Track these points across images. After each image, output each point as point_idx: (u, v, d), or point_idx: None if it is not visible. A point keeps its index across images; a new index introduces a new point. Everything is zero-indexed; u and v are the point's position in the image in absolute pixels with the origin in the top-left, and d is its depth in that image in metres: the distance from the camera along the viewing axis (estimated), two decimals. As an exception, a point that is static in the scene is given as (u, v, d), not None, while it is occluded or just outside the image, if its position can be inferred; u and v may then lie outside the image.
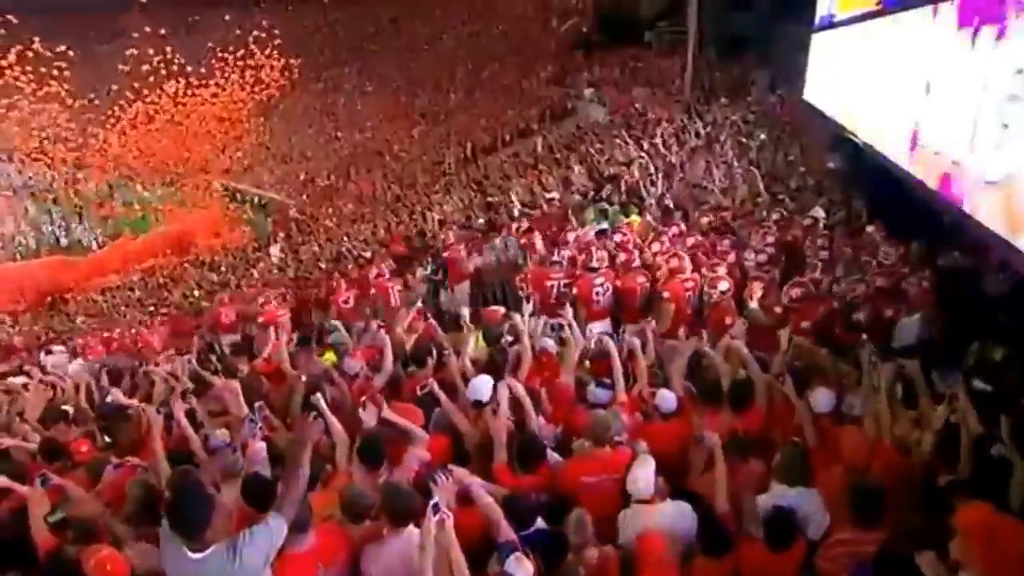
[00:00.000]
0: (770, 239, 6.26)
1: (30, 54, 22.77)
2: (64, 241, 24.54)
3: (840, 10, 8.69)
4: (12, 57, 22.40)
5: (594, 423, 3.12)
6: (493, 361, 3.90)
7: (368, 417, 3.13)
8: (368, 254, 9.63)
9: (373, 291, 7.05)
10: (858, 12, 7.66)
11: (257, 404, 3.92)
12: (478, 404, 3.45)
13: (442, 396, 3.38)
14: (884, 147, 6.34)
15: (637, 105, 15.08)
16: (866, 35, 7.19)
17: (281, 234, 18.03)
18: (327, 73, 30.83)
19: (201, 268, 16.35)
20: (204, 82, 26.02)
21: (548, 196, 8.02)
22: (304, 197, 25.02)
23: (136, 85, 25.38)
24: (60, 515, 3.13)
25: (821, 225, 6.38)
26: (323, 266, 9.43)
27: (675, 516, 2.81)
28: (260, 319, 7.66)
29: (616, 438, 3.15)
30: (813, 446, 3.18)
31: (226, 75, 26.19)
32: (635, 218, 7.18)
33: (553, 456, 3.26)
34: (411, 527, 2.58)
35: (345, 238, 11.97)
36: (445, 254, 7.83)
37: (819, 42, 9.89)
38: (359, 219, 16.22)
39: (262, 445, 3.48)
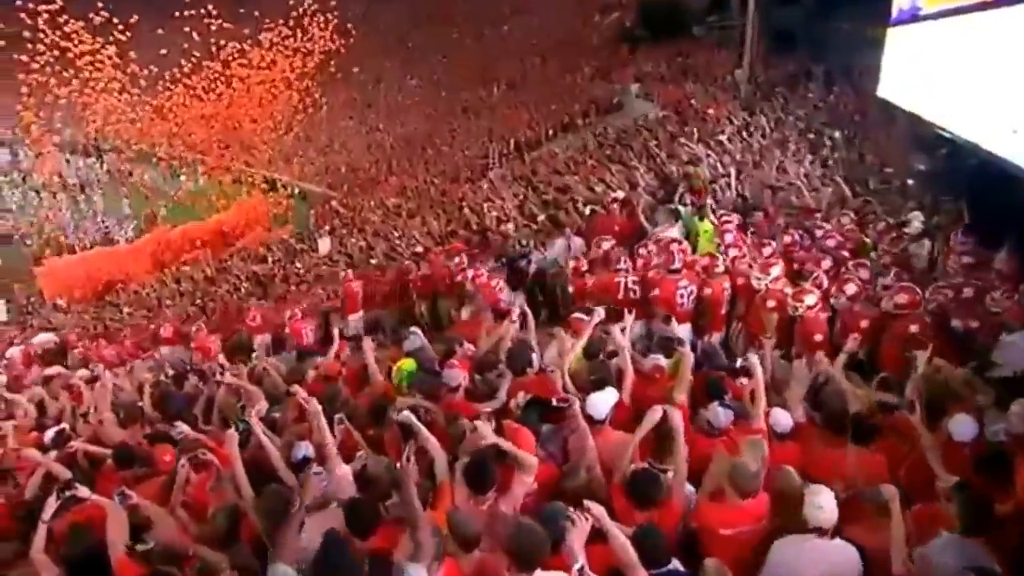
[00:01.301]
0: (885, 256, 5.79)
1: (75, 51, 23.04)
2: (116, 233, 24.93)
3: (929, 4, 8.09)
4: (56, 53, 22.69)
5: (735, 472, 2.74)
6: (597, 375, 3.57)
7: (484, 434, 2.83)
8: (420, 249, 9.40)
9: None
10: (955, 5, 7.09)
11: (337, 417, 3.68)
12: (592, 422, 3.13)
13: (581, 423, 3.03)
14: (992, 146, 5.82)
15: (692, 101, 14.50)
16: (968, 29, 6.63)
17: (326, 227, 17.96)
18: (369, 65, 30.72)
19: (246, 261, 16.39)
20: (248, 70, 26.01)
21: (613, 195, 7.63)
22: (344, 189, 25.05)
23: (179, 74, 25.46)
24: (148, 545, 2.94)
25: (921, 231, 5.87)
26: (375, 261, 9.21)
27: (842, 558, 2.47)
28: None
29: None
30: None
31: (268, 64, 26.18)
32: (707, 224, 6.76)
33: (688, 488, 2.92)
34: (539, 572, 2.29)
35: (395, 232, 11.78)
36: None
37: (898, 37, 9.29)
38: (405, 213, 16.03)
39: (347, 469, 3.26)
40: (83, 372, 7.36)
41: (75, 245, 22.56)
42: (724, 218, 6.58)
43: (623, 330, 3.94)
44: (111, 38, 23.24)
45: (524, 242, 7.73)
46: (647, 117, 18.12)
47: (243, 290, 12.30)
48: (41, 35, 22.41)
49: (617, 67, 25.06)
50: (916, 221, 5.98)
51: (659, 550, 2.44)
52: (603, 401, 3.20)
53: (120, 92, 24.53)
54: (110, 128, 27.02)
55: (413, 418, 3.09)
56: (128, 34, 23.89)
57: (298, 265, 13.29)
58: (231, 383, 4.49)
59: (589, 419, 3.18)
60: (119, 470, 4.05)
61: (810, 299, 4.79)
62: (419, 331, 4.81)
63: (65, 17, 22.40)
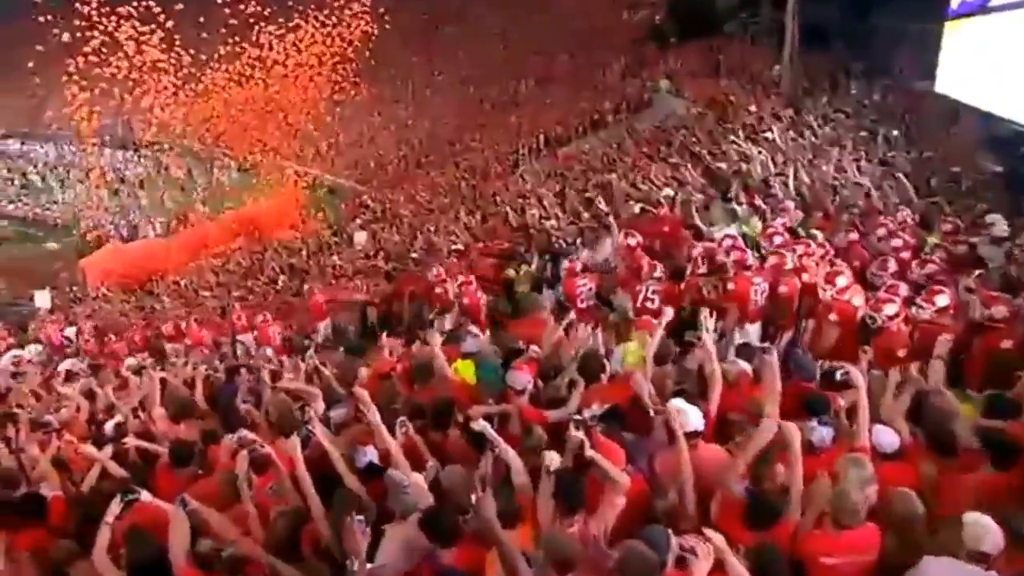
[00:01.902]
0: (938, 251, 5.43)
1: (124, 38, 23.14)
2: (144, 227, 25.22)
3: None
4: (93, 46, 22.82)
5: (837, 501, 2.46)
6: (682, 383, 3.30)
7: (573, 449, 2.58)
8: (460, 246, 9.18)
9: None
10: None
11: (399, 421, 3.46)
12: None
13: (679, 438, 2.73)
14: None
15: (732, 98, 14.05)
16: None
17: (358, 221, 17.88)
18: (396, 60, 30.53)
19: (280, 253, 16.35)
20: (279, 67, 25.99)
21: (662, 193, 7.31)
22: (373, 183, 24.99)
23: (216, 66, 25.45)
24: (229, 551, 2.75)
25: (1006, 234, 5.46)
26: (416, 256, 9.01)
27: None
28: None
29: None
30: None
31: (300, 60, 26.11)
32: (756, 223, 6.42)
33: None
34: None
35: (431, 228, 11.58)
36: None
37: (960, 31, 8.81)
38: (436, 208, 15.85)
39: (420, 478, 3.04)
40: (130, 362, 7.28)
41: (115, 236, 22.85)
42: (772, 221, 6.24)
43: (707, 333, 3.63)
44: (154, 27, 23.23)
45: (569, 239, 7.47)
46: (679, 114, 17.73)
47: (280, 282, 12.22)
48: (90, 28, 22.56)
49: (647, 64, 24.60)
50: (1000, 224, 5.55)
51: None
52: (697, 412, 2.92)
53: (161, 86, 24.64)
54: (151, 119, 27.28)
55: (490, 429, 2.85)
56: (172, 21, 23.91)
57: (335, 258, 13.17)
58: (289, 387, 4.26)
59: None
60: (175, 469, 3.89)
61: (890, 308, 4.43)
62: (477, 331, 4.54)
63: (113, 7, 22.47)
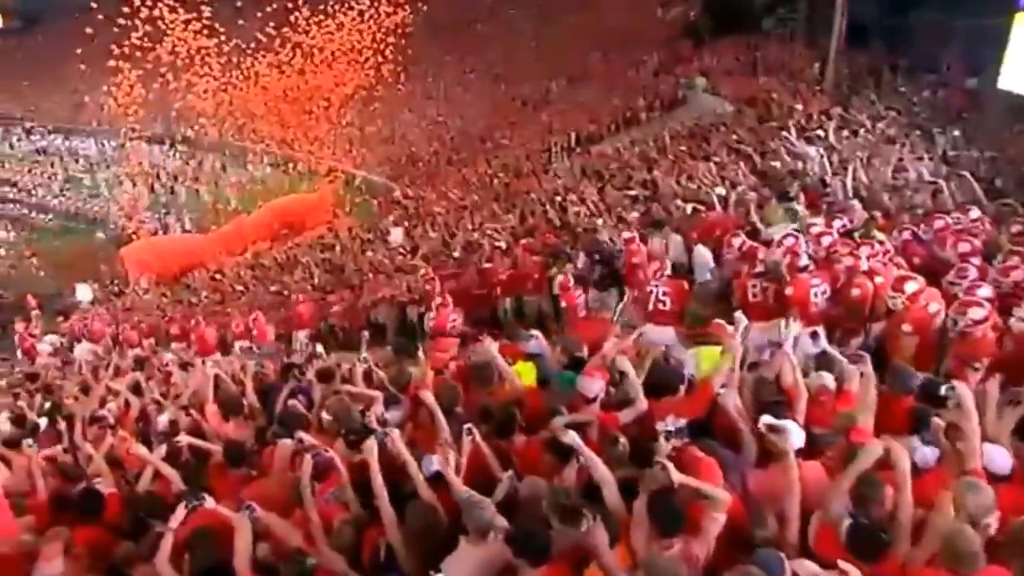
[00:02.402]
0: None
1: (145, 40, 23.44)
2: (173, 222, 25.54)
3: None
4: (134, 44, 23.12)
5: (956, 543, 2.19)
6: (771, 396, 3.06)
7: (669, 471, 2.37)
8: (502, 244, 8.99)
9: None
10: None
11: (466, 428, 3.29)
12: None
13: (790, 458, 2.48)
14: None
15: (774, 95, 13.63)
16: None
17: (391, 218, 17.83)
18: (428, 57, 30.50)
19: (313, 249, 16.40)
20: (313, 57, 26.03)
21: (716, 192, 7.04)
22: (405, 180, 24.98)
23: (251, 60, 25.57)
24: (312, 561, 2.63)
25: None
26: (456, 255, 8.86)
27: None
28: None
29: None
30: None
31: (333, 52, 26.12)
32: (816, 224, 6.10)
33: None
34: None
35: (468, 225, 11.44)
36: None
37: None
38: (470, 205, 15.70)
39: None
40: (170, 356, 7.25)
41: (152, 230, 23.20)
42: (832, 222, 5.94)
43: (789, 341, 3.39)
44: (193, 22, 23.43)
45: (615, 239, 7.23)
46: (716, 112, 17.31)
47: (317, 278, 12.20)
48: (131, 25, 22.88)
49: (681, 61, 24.13)
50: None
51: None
52: (799, 429, 2.68)
53: (197, 81, 24.91)
54: (187, 114, 27.67)
55: (578, 440, 2.66)
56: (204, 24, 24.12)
57: (369, 254, 13.12)
58: (351, 390, 4.11)
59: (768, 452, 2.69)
60: (229, 469, 3.79)
61: (977, 312, 4.11)
62: (538, 333, 4.35)
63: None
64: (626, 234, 5.87)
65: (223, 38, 23.75)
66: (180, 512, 2.94)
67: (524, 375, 4.02)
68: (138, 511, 3.49)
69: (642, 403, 3.20)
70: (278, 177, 28.31)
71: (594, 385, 3.27)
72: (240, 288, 14.33)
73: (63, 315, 17.37)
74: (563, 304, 6.18)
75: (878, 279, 4.92)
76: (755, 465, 2.76)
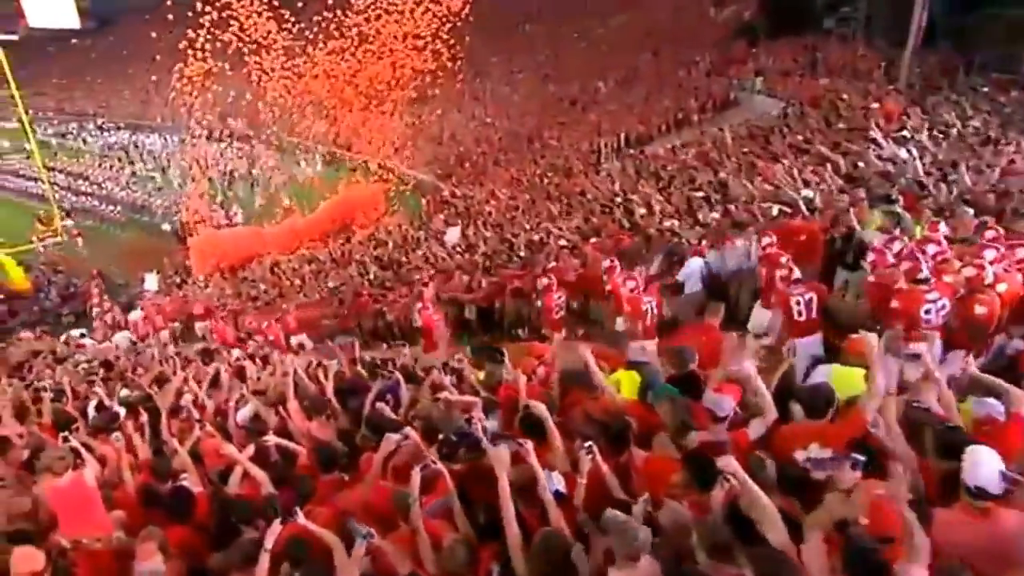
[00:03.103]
0: None
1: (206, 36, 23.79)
2: (239, 215, 25.99)
3: None
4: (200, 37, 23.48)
5: None
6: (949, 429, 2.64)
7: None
8: (565, 242, 8.65)
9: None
10: None
11: (586, 446, 2.94)
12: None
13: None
14: None
15: (843, 96, 12.89)
16: None
17: (442, 216, 17.67)
18: (477, 58, 30.28)
19: (365, 245, 16.36)
20: (363, 59, 25.98)
21: (803, 195, 6.54)
22: (453, 179, 24.85)
23: (301, 60, 25.70)
24: None
25: None
26: (522, 254, 8.56)
27: None
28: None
29: None
30: None
31: (382, 53, 26.03)
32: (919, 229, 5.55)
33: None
34: None
35: (527, 225, 11.13)
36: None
37: None
38: (521, 205, 15.41)
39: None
40: (238, 352, 7.14)
41: (212, 224, 23.62)
42: (933, 226, 5.39)
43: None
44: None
45: (693, 241, 6.82)
46: (774, 114, 16.57)
47: (373, 274, 12.08)
48: (197, 23, 23.31)
49: (734, 62, 23.30)
50: None
51: None
52: (990, 465, 2.24)
53: (255, 84, 25.24)
54: (245, 112, 28.15)
55: (738, 468, 2.30)
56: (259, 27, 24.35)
57: (419, 252, 12.95)
58: (452, 398, 3.82)
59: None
60: (322, 473, 3.57)
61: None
62: (646, 345, 3.99)
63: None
64: (765, 239, 5.41)
65: (278, 42, 23.96)
66: (276, 528, 2.71)
67: (625, 384, 3.67)
68: (229, 516, 3.29)
69: (771, 415, 2.82)
70: (329, 174, 28.59)
71: (725, 402, 2.90)
72: (298, 282, 14.36)
73: (130, 304, 17.85)
74: (625, 306, 5.69)
75: (1001, 287, 4.40)
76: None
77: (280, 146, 31.75)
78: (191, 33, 22.66)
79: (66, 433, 4.19)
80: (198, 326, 13.02)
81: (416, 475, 2.78)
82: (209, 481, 3.87)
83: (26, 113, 26.01)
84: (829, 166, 7.31)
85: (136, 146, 35.36)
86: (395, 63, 25.09)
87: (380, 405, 4.12)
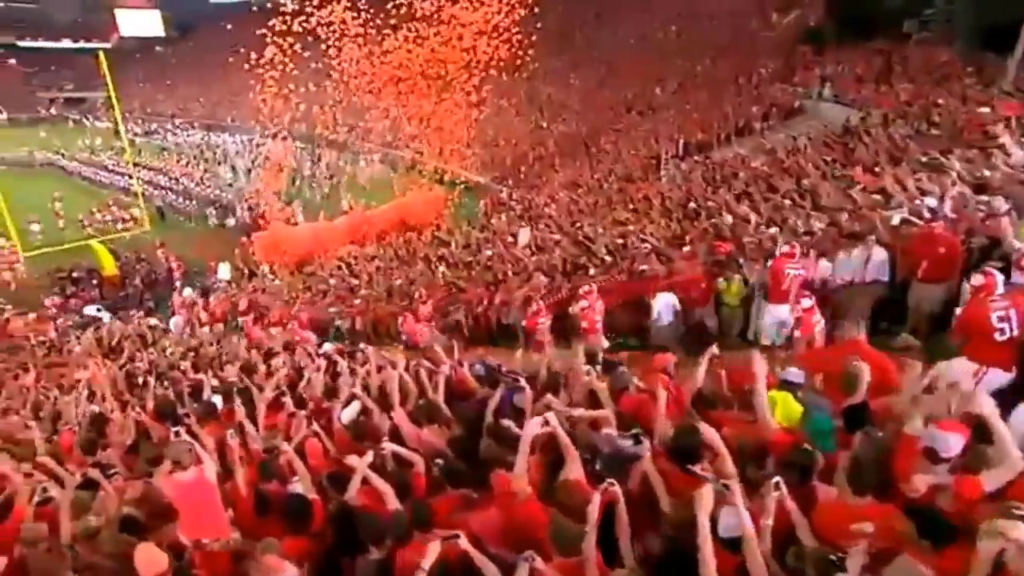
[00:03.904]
0: None
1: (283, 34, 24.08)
2: (302, 212, 26.29)
3: None
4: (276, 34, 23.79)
5: None
6: None
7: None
8: (648, 247, 8.11)
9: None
10: None
11: (774, 480, 2.46)
12: None
13: None
14: None
15: (940, 101, 11.90)
16: None
17: (503, 217, 17.35)
18: (532, 62, 29.81)
19: (431, 245, 16.15)
20: (423, 62, 25.82)
21: (927, 202, 5.86)
22: (509, 182, 24.55)
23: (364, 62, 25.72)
24: None
25: None
26: (606, 258, 8.08)
27: None
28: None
29: None
30: None
31: (441, 56, 25.83)
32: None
33: None
34: None
35: (600, 228, 10.65)
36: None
37: None
38: (584, 209, 14.92)
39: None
40: (328, 347, 6.91)
41: (279, 219, 23.99)
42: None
43: None
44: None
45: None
46: (847, 121, 15.54)
47: (440, 274, 11.82)
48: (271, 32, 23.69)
49: (799, 69, 22.17)
50: None
51: None
52: None
53: (321, 87, 25.49)
54: (311, 115, 28.54)
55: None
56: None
57: (487, 252, 12.61)
58: (586, 415, 3.39)
59: None
60: (448, 488, 3.21)
61: None
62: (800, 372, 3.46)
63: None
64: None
65: (352, 29, 24.05)
66: (435, 549, 2.35)
67: (782, 406, 3.17)
68: (354, 531, 2.96)
69: (1017, 465, 2.29)
70: (387, 175, 28.74)
71: (953, 441, 2.38)
72: (365, 278, 14.24)
73: (204, 293, 18.19)
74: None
75: None
76: None
77: (342, 146, 32.18)
78: (253, 56, 23.03)
79: (178, 428, 3.96)
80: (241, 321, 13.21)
81: (595, 504, 2.36)
82: (321, 487, 3.56)
83: (120, 114, 27.08)
84: (954, 173, 6.56)
85: (209, 145, 36.52)
86: (467, 49, 24.81)
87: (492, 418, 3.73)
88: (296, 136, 33.21)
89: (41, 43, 37.49)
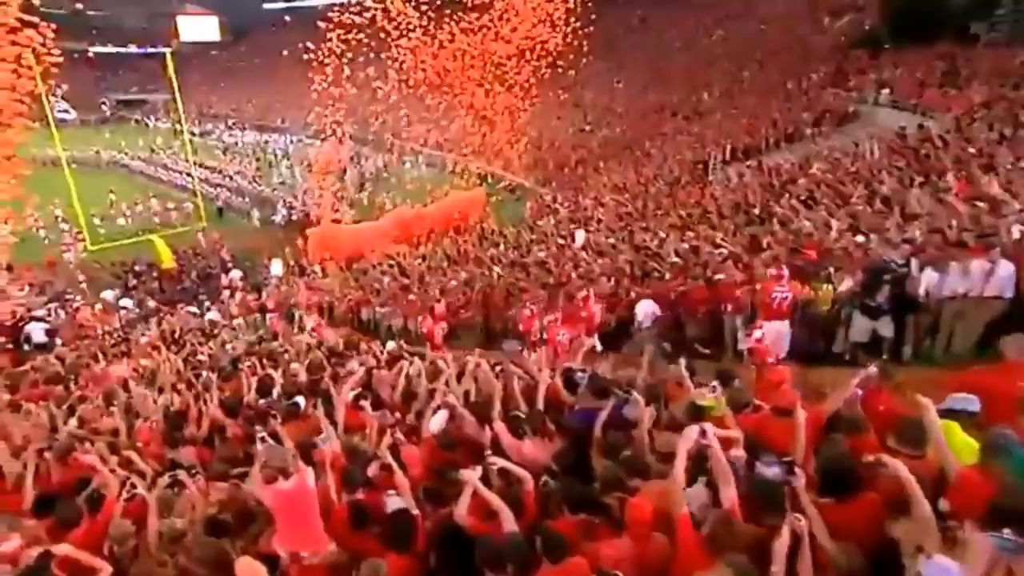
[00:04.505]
0: None
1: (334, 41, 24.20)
2: (347, 211, 26.38)
3: None
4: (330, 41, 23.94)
5: None
6: None
7: None
8: (724, 253, 7.63)
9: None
10: None
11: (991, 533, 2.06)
12: None
13: None
14: None
15: None
16: None
17: (551, 219, 16.97)
18: (577, 66, 29.35)
19: (480, 245, 15.89)
20: (469, 65, 25.61)
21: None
22: (552, 185, 24.15)
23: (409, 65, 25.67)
24: None
25: None
26: (674, 261, 7.64)
27: None
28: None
29: None
30: None
31: (486, 58, 25.55)
32: None
33: None
34: None
35: (662, 233, 10.20)
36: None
37: None
38: (635, 212, 14.43)
39: None
40: (392, 345, 6.65)
41: (326, 217, 24.13)
42: None
43: None
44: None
45: (900, 261, 5.67)
46: (914, 127, 14.64)
47: (496, 274, 11.50)
48: (320, 38, 23.88)
49: (853, 73, 21.16)
50: None
51: None
52: None
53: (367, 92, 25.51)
54: (358, 117, 28.70)
55: None
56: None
57: (541, 252, 12.27)
58: (724, 434, 2.97)
59: None
60: (567, 512, 2.87)
61: None
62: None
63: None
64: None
65: (412, 20, 24.07)
66: None
67: (958, 443, 2.73)
68: (469, 555, 2.65)
69: None
70: (432, 175, 28.69)
71: None
72: (416, 277, 14.05)
73: (257, 288, 18.35)
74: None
75: None
76: None
77: (388, 147, 32.31)
78: (302, 60, 23.18)
79: (264, 434, 3.72)
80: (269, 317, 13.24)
81: (783, 541, 2.00)
82: (421, 501, 3.27)
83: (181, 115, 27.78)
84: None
85: (260, 144, 37.22)
86: (486, 85, 24.71)
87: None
88: (345, 137, 33.58)
89: (110, 48, 39.01)
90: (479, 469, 3.07)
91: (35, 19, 14.76)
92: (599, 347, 6.36)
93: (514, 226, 18.58)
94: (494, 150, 27.02)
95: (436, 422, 4.00)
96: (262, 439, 3.60)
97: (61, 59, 15.41)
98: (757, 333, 4.91)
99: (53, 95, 18.97)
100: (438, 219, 20.73)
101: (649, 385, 3.84)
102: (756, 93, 23.21)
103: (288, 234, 23.57)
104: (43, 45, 14.83)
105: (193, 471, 4.08)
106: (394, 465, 3.35)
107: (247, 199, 28.51)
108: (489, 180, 25.83)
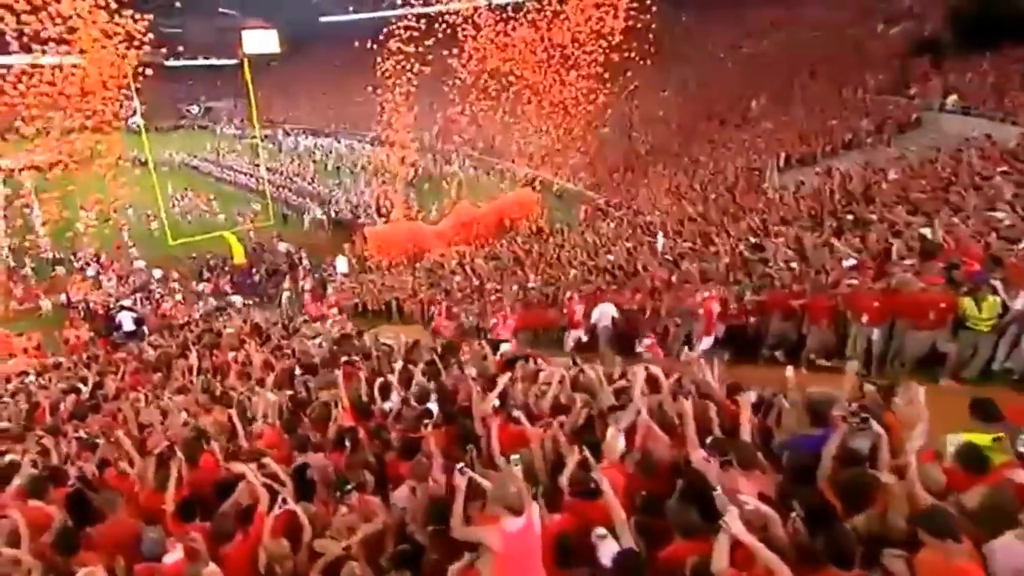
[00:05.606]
0: None
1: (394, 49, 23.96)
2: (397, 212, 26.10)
3: None
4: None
5: None
6: None
7: None
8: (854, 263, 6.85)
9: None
10: None
11: None
12: None
13: None
14: None
15: None
16: None
17: (609, 223, 16.31)
18: (624, 73, 28.45)
19: (541, 247, 15.34)
20: (513, 71, 25.05)
21: None
22: (601, 190, 23.46)
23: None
24: None
25: None
26: (784, 268, 6.93)
27: None
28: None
29: None
30: None
31: (535, 65, 24.93)
32: None
33: None
34: None
35: (752, 239, 9.46)
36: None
37: None
38: (700, 218, 13.66)
39: None
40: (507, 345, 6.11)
41: (381, 219, 23.95)
42: None
43: None
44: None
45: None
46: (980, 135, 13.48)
47: (572, 274, 10.94)
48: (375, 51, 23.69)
49: (915, 80, 19.85)
50: None
51: None
52: None
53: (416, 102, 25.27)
54: (410, 125, 28.50)
55: None
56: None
57: (610, 256, 11.65)
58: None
59: None
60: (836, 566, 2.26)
61: None
62: None
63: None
64: None
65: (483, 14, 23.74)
66: None
67: None
68: None
69: None
70: (482, 179, 28.31)
71: None
72: (486, 278, 13.56)
73: (322, 284, 18.19)
74: None
75: None
76: None
77: (442, 152, 32.10)
78: (358, 70, 23.02)
79: (461, 465, 3.07)
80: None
81: None
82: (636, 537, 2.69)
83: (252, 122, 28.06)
84: None
85: (320, 148, 37.54)
86: (536, 91, 24.11)
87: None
88: (403, 142, 33.46)
89: (183, 62, 40.25)
90: (734, 511, 2.46)
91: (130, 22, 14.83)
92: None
93: (569, 228, 18.00)
94: (543, 155, 26.42)
95: (620, 442, 3.41)
96: (460, 471, 2.97)
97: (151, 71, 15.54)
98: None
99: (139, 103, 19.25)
100: (493, 220, 20.29)
101: (813, 402, 3.17)
102: (808, 100, 22.07)
103: (346, 233, 23.49)
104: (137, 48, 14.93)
105: (348, 488, 3.60)
106: (609, 492, 2.75)
107: (307, 200, 28.58)
108: (538, 184, 25.24)
